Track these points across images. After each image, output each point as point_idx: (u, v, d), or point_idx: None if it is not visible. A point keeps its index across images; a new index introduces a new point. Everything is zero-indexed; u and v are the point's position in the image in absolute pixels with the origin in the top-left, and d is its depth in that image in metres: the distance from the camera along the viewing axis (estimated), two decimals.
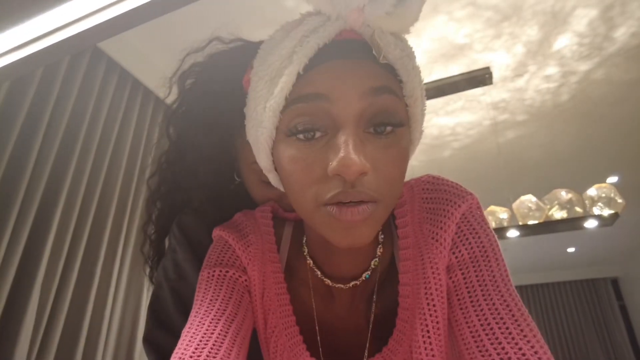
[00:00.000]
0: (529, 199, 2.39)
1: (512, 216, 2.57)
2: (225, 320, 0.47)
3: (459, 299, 0.46)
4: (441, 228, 0.49)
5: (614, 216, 2.25)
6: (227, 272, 0.53)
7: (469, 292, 0.45)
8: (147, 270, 0.79)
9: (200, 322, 0.47)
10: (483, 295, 0.44)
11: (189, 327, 0.47)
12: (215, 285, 0.51)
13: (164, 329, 0.60)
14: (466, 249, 0.48)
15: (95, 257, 1.83)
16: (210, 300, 0.49)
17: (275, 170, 0.49)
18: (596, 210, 2.29)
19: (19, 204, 1.55)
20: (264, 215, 0.59)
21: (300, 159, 0.41)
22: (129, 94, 2.17)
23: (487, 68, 2.43)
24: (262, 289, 0.54)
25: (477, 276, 0.46)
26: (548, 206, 2.35)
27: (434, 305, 0.47)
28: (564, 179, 3.46)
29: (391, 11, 0.40)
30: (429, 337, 0.46)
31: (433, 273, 0.48)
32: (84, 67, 1.92)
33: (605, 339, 5.95)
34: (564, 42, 2.27)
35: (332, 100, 0.39)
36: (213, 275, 0.53)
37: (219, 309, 0.48)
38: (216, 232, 0.58)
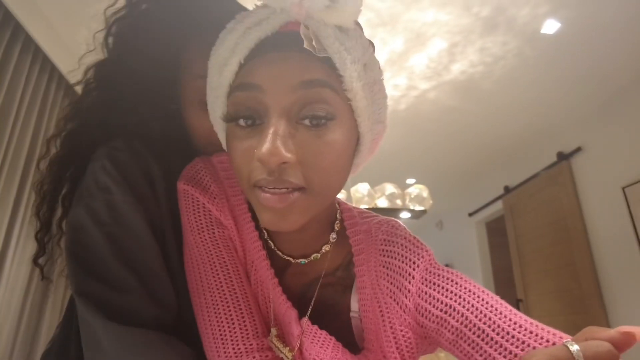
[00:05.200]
0: (364, 187, 2.76)
1: (348, 198, 2.92)
2: (240, 289, 0.53)
3: (460, 351, 0.43)
4: (401, 291, 0.48)
5: (422, 212, 2.81)
6: (213, 232, 0.55)
7: (466, 342, 0.42)
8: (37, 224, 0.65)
9: (225, 301, 0.51)
10: (480, 338, 0.41)
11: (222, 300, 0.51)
12: (214, 250, 0.55)
13: (100, 281, 0.49)
14: (442, 295, 0.46)
15: None
16: (220, 269, 0.54)
17: None
18: (411, 205, 2.82)
19: None
20: (221, 160, 0.61)
21: (238, 143, 0.44)
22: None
23: None
24: (238, 230, 0.57)
25: (464, 323, 0.43)
26: (377, 195, 2.77)
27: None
28: (385, 174, 4.09)
29: (330, 5, 0.40)
30: None
31: (394, 332, 0.48)
32: None
33: None
34: (417, 60, 2.67)
35: (265, 91, 0.41)
36: (205, 241, 0.55)
37: (228, 274, 0.54)
38: (181, 186, 0.58)
